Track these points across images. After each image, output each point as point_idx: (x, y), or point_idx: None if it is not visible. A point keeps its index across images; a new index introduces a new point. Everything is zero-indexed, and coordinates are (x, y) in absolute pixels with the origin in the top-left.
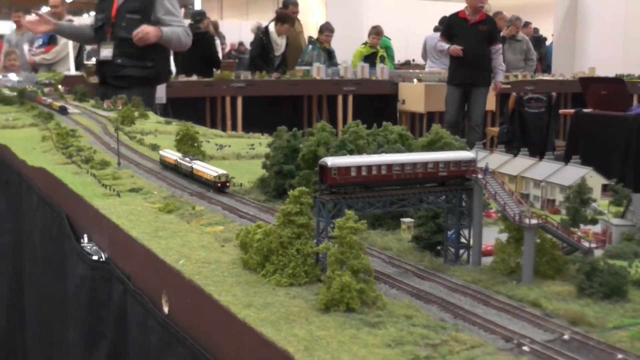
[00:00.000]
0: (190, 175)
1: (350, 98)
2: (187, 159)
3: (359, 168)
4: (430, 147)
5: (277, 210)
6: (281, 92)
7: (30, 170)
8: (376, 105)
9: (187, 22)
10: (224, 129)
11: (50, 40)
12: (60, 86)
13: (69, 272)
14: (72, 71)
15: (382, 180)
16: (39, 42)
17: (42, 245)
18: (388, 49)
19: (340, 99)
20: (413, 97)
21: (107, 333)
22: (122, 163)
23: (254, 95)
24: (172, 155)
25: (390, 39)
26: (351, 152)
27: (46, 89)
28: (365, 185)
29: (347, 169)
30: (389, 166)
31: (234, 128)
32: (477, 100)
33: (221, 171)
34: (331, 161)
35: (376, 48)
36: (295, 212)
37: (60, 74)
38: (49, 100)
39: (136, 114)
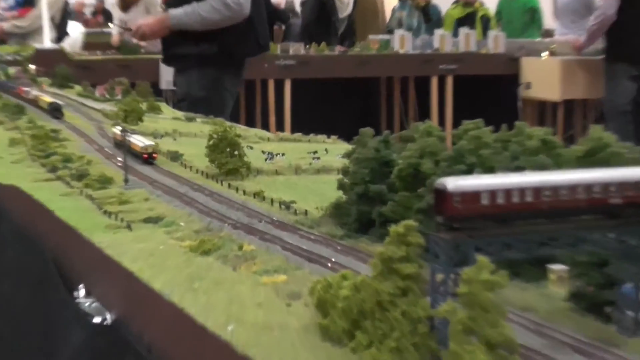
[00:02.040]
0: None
1: (449, 81)
2: (124, 132)
3: (492, 193)
4: (589, 159)
5: (362, 251)
6: (348, 73)
7: None
8: (488, 91)
9: None
10: (264, 127)
11: (26, 1)
12: (31, 65)
13: (57, 339)
14: (48, 44)
15: (526, 211)
16: (10, 1)
17: (14, 300)
18: (534, 11)
19: (434, 82)
20: (543, 79)
21: None
22: (130, 180)
23: (307, 77)
24: (120, 131)
25: None
26: (471, 168)
27: (11, 70)
28: (501, 218)
29: (475, 194)
30: (536, 190)
31: (280, 126)
32: None
33: (149, 142)
34: (452, 183)
35: (473, 6)
36: (399, 258)
37: (31, 48)
38: (33, 92)
39: (144, 106)
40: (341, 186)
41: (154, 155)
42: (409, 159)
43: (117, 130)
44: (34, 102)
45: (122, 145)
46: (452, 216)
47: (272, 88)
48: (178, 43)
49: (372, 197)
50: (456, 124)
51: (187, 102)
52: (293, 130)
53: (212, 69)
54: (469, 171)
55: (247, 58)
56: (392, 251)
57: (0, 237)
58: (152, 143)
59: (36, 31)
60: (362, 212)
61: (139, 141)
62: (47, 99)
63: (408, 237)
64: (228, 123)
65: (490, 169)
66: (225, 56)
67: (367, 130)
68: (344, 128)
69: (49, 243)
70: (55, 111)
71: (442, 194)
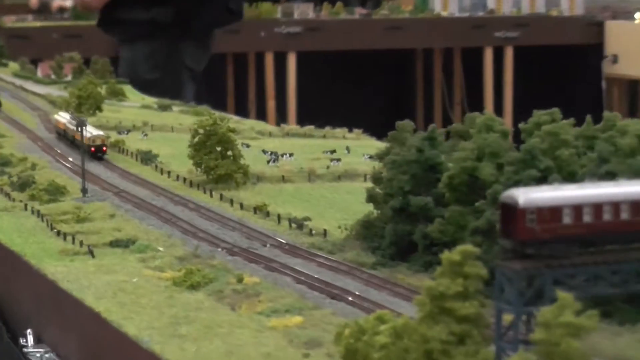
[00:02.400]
0: (73, 141)
1: (508, 53)
2: (75, 120)
3: (577, 209)
4: None
5: (400, 284)
6: (372, 44)
7: None
8: (560, 67)
9: None
10: (260, 116)
11: None
12: None
13: None
14: None
15: (621, 232)
16: None
17: None
18: None
19: (488, 55)
20: (635, 50)
21: None
22: (89, 190)
23: (318, 49)
24: (63, 118)
25: None
26: (545, 174)
27: None
28: (588, 242)
29: (555, 210)
30: (635, 204)
31: (281, 114)
32: None
33: (97, 132)
34: (525, 196)
35: None
36: (454, 294)
37: None
38: None
39: (102, 90)
40: (372, 198)
41: (104, 148)
42: (462, 163)
43: (60, 116)
44: None
45: (65, 135)
46: (525, 239)
47: (270, 63)
48: (123, 4)
49: (413, 213)
50: (518, 111)
51: (133, 85)
52: (299, 120)
53: (165, 42)
54: (543, 178)
55: (213, 28)
56: (445, 286)
57: None
58: (101, 133)
59: None
60: (400, 232)
61: (85, 131)
62: None
63: (465, 267)
64: (218, 113)
65: (571, 176)
66: (183, 24)
67: (406, 124)
68: (367, 117)
69: None
70: None
71: (511, 211)
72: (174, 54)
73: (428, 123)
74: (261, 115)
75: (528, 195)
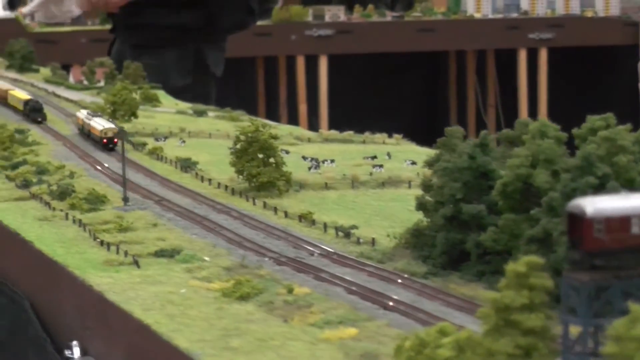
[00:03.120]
0: (89, 135)
1: (542, 55)
2: (91, 116)
3: None
4: None
5: (453, 294)
6: (405, 46)
7: None
8: (596, 68)
9: None
10: (292, 120)
11: None
12: None
13: None
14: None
15: None
16: None
17: None
18: None
19: (522, 57)
20: None
21: None
22: (130, 198)
23: (350, 52)
24: (82, 114)
25: None
26: (604, 181)
27: None
28: None
29: (624, 220)
30: None
31: (313, 118)
32: None
33: (109, 125)
34: (593, 205)
35: None
36: (520, 307)
37: None
38: None
39: (136, 95)
40: (421, 206)
41: (115, 140)
42: (516, 170)
43: (80, 113)
44: (1, 99)
45: (82, 130)
46: (593, 250)
47: (301, 67)
48: (148, 8)
49: (465, 221)
50: (553, 113)
51: (165, 91)
52: (331, 124)
53: (193, 47)
54: (600, 186)
55: (236, 31)
56: (510, 298)
57: None
58: (113, 125)
59: None
60: (451, 241)
61: (98, 124)
62: (21, 94)
63: (531, 279)
64: (260, 120)
65: (629, 183)
66: (210, 28)
67: (456, 130)
68: (399, 120)
69: (25, 285)
70: (34, 112)
71: (578, 221)
72: (200, 58)
73: (461, 126)
74: (292, 120)
75: (596, 205)
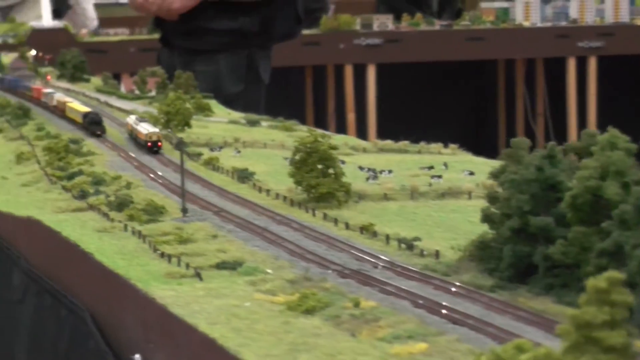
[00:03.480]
0: (136, 139)
1: (592, 63)
2: (138, 120)
3: None
4: None
5: (522, 308)
6: (453, 55)
7: (2, 223)
8: None
9: None
10: (341, 128)
11: None
12: (30, 51)
13: None
14: (47, 21)
15: None
16: None
17: None
18: None
19: (571, 66)
20: None
21: None
22: (188, 209)
23: (398, 61)
24: (131, 120)
25: None
26: None
27: (5, 58)
28: None
29: None
30: None
31: (361, 127)
32: None
33: (153, 129)
34: None
35: None
36: (601, 323)
37: (24, 26)
38: (56, 96)
39: (189, 105)
40: (487, 218)
41: (159, 143)
42: (585, 182)
43: (129, 119)
44: (59, 111)
45: (131, 134)
46: None
47: (349, 76)
48: (206, 14)
49: (533, 234)
50: (602, 121)
51: (220, 100)
52: (380, 133)
53: (245, 54)
54: None
55: (289, 38)
56: (592, 314)
57: (10, 285)
58: (157, 130)
59: (24, 2)
60: (519, 253)
61: (143, 128)
62: (79, 106)
63: (612, 295)
64: (319, 130)
65: None
66: (263, 35)
67: (521, 141)
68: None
69: (86, 297)
70: (93, 125)
71: None
72: (252, 65)
73: (510, 135)
74: (341, 129)
75: None
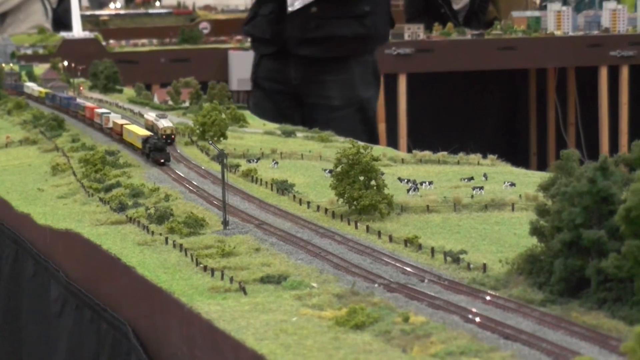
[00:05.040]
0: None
1: (624, 72)
2: (158, 117)
3: None
4: None
5: (576, 323)
6: (485, 64)
7: (41, 236)
8: None
9: None
10: (371, 139)
11: None
12: (62, 62)
13: None
14: (77, 31)
15: None
16: None
17: None
18: None
19: (603, 75)
20: None
21: None
22: (229, 221)
23: (429, 70)
24: (150, 116)
25: None
26: None
27: (38, 69)
28: None
29: None
30: None
31: (392, 136)
32: None
33: (167, 124)
34: None
35: None
36: None
37: (55, 37)
38: (112, 117)
39: (224, 116)
40: (536, 231)
41: (173, 137)
42: None
43: (148, 115)
44: (115, 134)
45: (150, 129)
46: None
47: (381, 86)
48: (325, 21)
49: (585, 247)
50: (634, 131)
51: (354, 108)
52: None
53: (371, 59)
54: None
55: (384, 42)
56: None
57: (48, 299)
58: (171, 124)
59: (22, 5)
60: (570, 267)
61: (161, 123)
62: (139, 129)
63: None
64: (360, 142)
65: None
66: (379, 38)
67: (572, 153)
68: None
69: (127, 312)
70: (156, 152)
71: None
72: (375, 70)
73: (541, 144)
74: (371, 139)
75: None
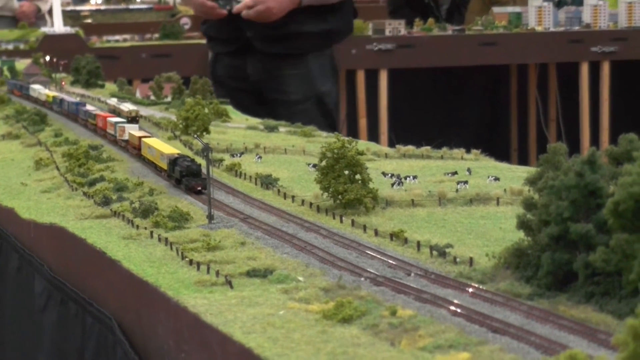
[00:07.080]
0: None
1: (605, 68)
2: (119, 101)
3: None
4: None
5: (564, 317)
6: (466, 60)
7: (25, 230)
8: None
9: None
10: (352, 133)
11: None
12: (43, 57)
13: None
14: (58, 27)
15: None
16: None
17: None
18: None
19: (584, 71)
20: None
21: None
22: (215, 215)
23: (411, 66)
24: (112, 101)
25: None
26: None
27: (20, 64)
28: None
29: None
30: None
31: (373, 132)
32: None
33: (132, 107)
34: None
35: None
36: None
37: (35, 32)
38: (130, 129)
39: (207, 111)
40: (524, 225)
41: (137, 119)
42: (628, 188)
43: (111, 101)
44: (132, 148)
45: (117, 114)
46: None
47: (362, 81)
48: (298, 17)
49: (573, 241)
50: (615, 127)
51: (313, 101)
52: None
53: (329, 53)
54: None
55: (344, 37)
56: None
57: (33, 293)
58: (135, 107)
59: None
60: (558, 261)
61: (125, 107)
62: (163, 145)
63: None
64: (344, 136)
65: None
66: (343, 33)
67: (559, 147)
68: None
69: (113, 306)
70: (189, 178)
71: None
72: (333, 63)
73: (522, 140)
74: (353, 133)
75: None
